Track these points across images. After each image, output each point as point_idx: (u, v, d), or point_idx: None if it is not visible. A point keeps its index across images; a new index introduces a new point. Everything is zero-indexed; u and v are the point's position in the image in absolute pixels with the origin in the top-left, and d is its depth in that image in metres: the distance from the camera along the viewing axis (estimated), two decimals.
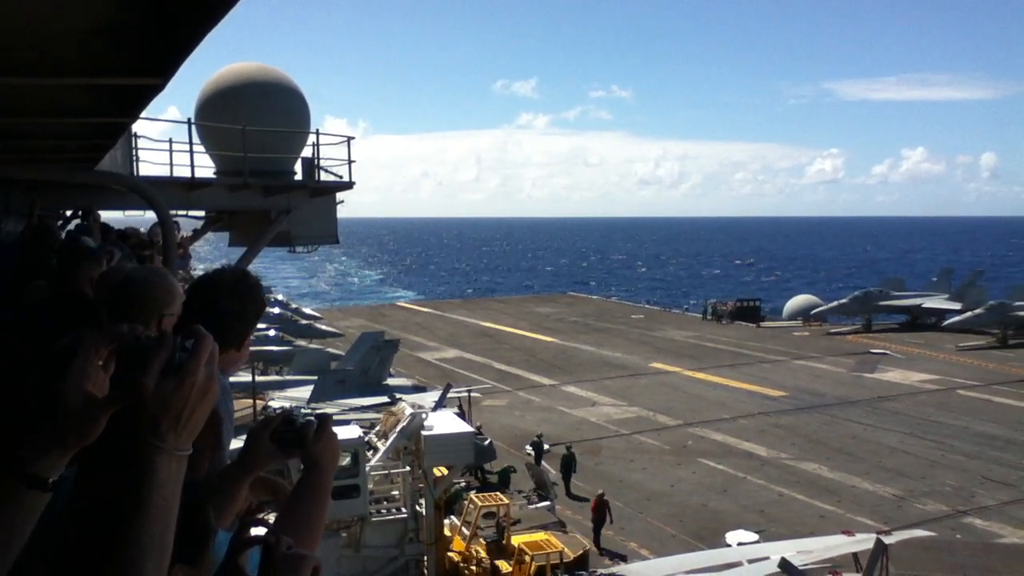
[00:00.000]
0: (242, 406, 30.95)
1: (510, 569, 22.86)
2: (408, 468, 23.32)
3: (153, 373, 1.55)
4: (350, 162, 20.65)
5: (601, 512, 26.53)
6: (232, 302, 2.41)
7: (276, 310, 52.63)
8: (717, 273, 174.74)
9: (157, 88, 4.78)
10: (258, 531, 1.93)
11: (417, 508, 23.13)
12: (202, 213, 22.02)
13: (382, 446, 23.36)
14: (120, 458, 1.53)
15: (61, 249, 6.18)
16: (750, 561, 18.38)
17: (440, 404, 27.11)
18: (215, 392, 1.64)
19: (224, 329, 2.37)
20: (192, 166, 18.32)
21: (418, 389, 36.37)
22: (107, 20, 3.55)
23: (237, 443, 2.58)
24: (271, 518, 2.30)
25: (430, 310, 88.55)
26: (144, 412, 1.54)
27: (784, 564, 16.12)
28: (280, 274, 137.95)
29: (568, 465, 31.71)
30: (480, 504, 24.59)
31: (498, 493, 26.63)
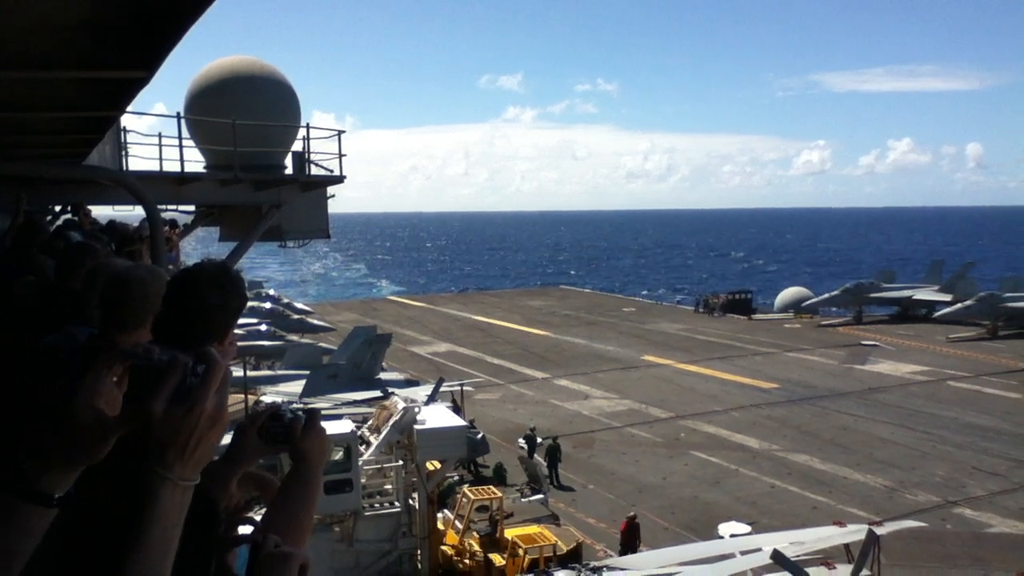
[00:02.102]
0: (234, 401, 30.90)
1: (503, 562, 22.88)
2: (401, 462, 23.30)
3: (162, 399, 1.52)
4: (341, 156, 20.58)
5: (632, 535, 24.93)
6: (213, 296, 2.38)
7: (268, 305, 52.54)
8: (706, 265, 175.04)
9: (143, 81, 4.73)
10: (245, 529, 1.91)
11: (410, 502, 23.12)
12: (192, 208, 21.94)
13: (375, 440, 23.34)
14: (123, 485, 1.50)
15: (63, 246, 6.12)
16: (742, 552, 18.41)
17: (433, 398, 27.08)
18: (225, 421, 1.62)
19: (205, 323, 2.35)
20: (182, 160, 18.24)
21: (411, 383, 36.37)
22: (91, 13, 3.51)
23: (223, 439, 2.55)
24: (259, 515, 2.28)
25: (422, 304, 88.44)
26: (151, 439, 1.51)
27: (776, 555, 16.15)
28: (265, 269, 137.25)
29: (553, 456, 31.74)
30: (473, 498, 24.58)
31: (491, 487, 26.62)
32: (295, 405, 2.52)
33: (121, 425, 1.51)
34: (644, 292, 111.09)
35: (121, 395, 1.54)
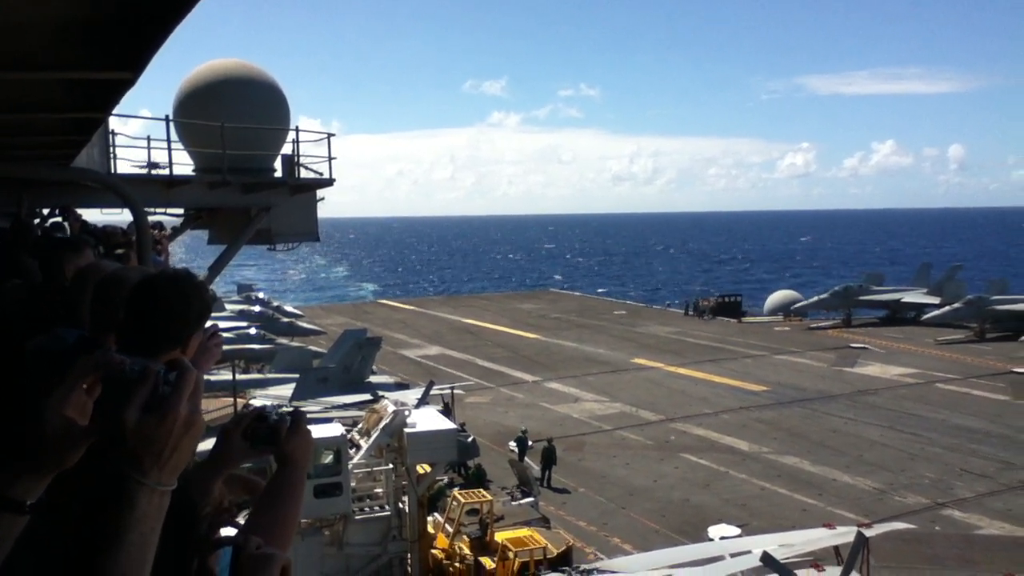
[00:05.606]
0: (223, 404, 30.79)
1: (493, 565, 22.84)
2: (391, 466, 23.26)
3: (134, 408, 1.53)
4: (330, 159, 20.50)
5: None
6: (175, 302, 2.39)
7: (257, 308, 52.47)
8: (694, 267, 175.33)
9: (128, 83, 4.70)
10: (229, 531, 1.91)
11: (400, 505, 23.07)
12: (181, 211, 21.82)
13: (365, 444, 23.29)
14: (99, 491, 1.50)
15: (41, 244, 6.06)
16: (732, 555, 18.45)
17: (423, 401, 27.04)
18: (200, 426, 1.62)
19: (167, 330, 2.37)
20: (170, 163, 18.13)
21: (401, 386, 36.34)
22: (75, 14, 3.49)
23: (204, 445, 2.55)
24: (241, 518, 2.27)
25: (412, 307, 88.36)
26: (125, 447, 1.52)
27: (766, 558, 16.18)
28: (246, 272, 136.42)
29: (548, 457, 31.76)
30: (463, 501, 24.55)
31: (481, 490, 26.58)
32: (284, 408, 2.51)
33: (92, 433, 1.52)
34: (633, 294, 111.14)
35: (91, 403, 1.55)
